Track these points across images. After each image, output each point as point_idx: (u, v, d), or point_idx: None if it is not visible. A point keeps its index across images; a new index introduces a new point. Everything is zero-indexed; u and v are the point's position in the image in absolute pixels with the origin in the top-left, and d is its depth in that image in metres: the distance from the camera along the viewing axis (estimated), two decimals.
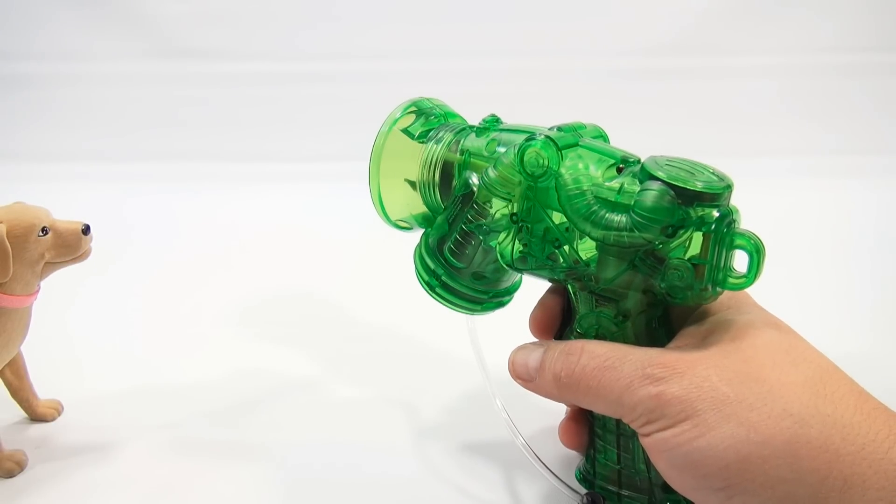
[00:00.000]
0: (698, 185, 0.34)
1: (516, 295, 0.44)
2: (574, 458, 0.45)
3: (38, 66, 1.03)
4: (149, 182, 0.98)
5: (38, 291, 0.45)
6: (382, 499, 0.44)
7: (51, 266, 0.44)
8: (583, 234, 0.36)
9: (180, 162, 1.01)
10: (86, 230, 0.44)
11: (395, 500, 0.44)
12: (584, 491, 0.41)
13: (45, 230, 0.43)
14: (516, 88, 0.99)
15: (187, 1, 1.01)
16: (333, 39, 1.02)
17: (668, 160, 0.36)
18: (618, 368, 0.34)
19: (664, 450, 0.33)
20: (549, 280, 0.41)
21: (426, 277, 0.42)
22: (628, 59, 1.02)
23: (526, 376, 0.38)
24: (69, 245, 0.43)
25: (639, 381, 0.33)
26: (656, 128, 0.98)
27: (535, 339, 0.42)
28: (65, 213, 0.45)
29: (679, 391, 0.32)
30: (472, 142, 0.42)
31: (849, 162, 0.98)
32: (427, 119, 0.44)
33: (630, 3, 1.01)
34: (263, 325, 0.66)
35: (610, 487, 0.40)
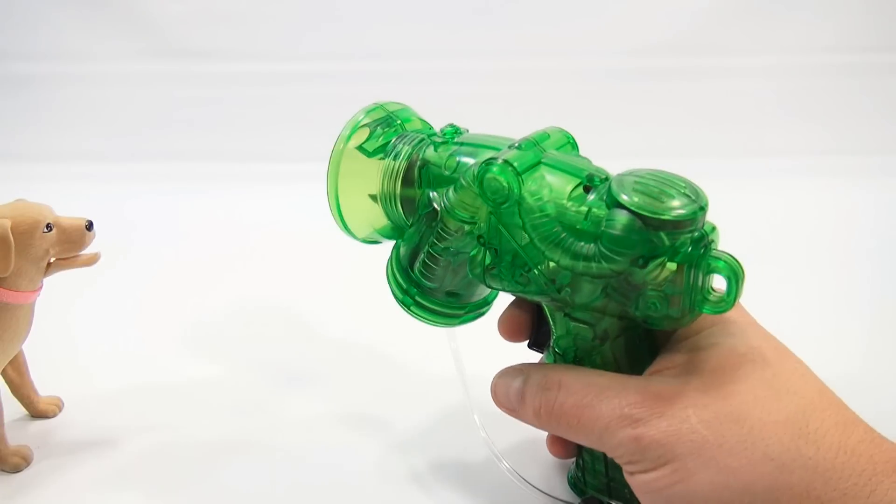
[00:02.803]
0: (669, 214, 0.31)
1: (500, 300, 0.43)
2: (561, 467, 0.45)
3: (39, 66, 1.04)
4: (149, 182, 0.97)
5: (41, 288, 0.45)
6: None
7: (60, 266, 0.44)
8: (550, 261, 0.35)
9: (181, 162, 1.01)
10: (89, 226, 0.44)
11: None
12: (577, 500, 0.41)
13: (49, 226, 0.43)
14: (515, 88, 0.99)
15: (187, 1, 1.01)
16: (334, 40, 1.02)
17: (636, 179, 0.33)
18: (595, 407, 0.33)
19: (646, 491, 0.33)
20: (525, 299, 0.39)
21: (400, 296, 0.41)
22: (627, 59, 1.02)
23: (509, 406, 0.38)
24: (73, 241, 0.44)
25: (617, 422, 0.33)
26: (655, 128, 0.99)
27: (512, 358, 0.41)
28: (65, 212, 0.45)
29: (658, 434, 0.32)
30: (431, 155, 0.40)
31: (849, 162, 0.98)
32: (384, 130, 0.42)
33: (629, 3, 1.01)
34: (264, 326, 0.66)
35: (601, 497, 0.40)
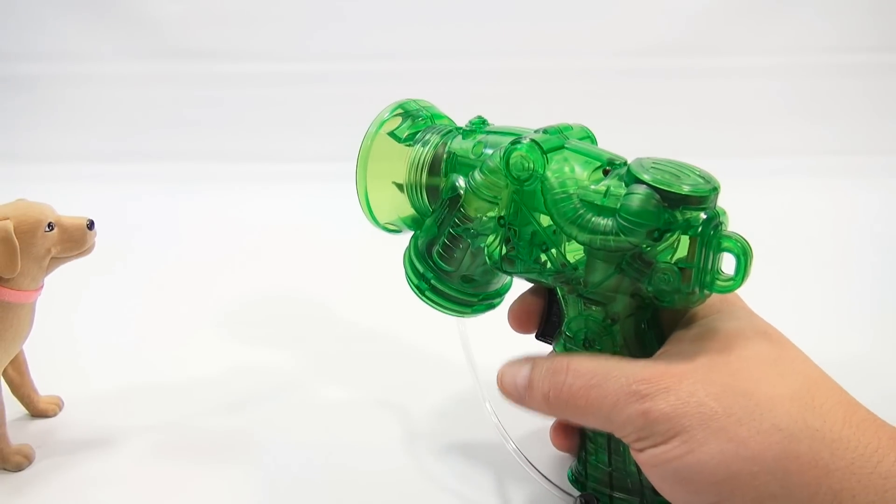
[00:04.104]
0: (684, 189, 0.33)
1: (507, 295, 0.44)
2: (565, 459, 0.45)
3: (39, 66, 1.04)
4: (149, 182, 0.98)
5: (42, 287, 0.45)
6: (374, 501, 0.44)
7: (56, 261, 0.44)
8: (569, 237, 0.36)
9: (181, 162, 1.01)
10: (90, 225, 0.44)
11: (385, 502, 0.43)
12: (577, 493, 0.41)
13: (50, 225, 0.43)
14: (516, 89, 1.00)
15: (188, 1, 1.01)
16: (334, 40, 1.03)
17: (654, 162, 0.35)
18: (603, 386, 0.34)
19: (655, 465, 0.33)
20: (538, 283, 0.41)
21: (415, 281, 0.42)
22: (627, 59, 1.02)
23: (515, 394, 0.38)
24: (75, 240, 0.44)
25: (625, 399, 0.33)
26: (655, 128, 0.99)
27: (521, 349, 0.42)
28: (65, 213, 0.45)
29: (666, 407, 0.32)
30: (459, 144, 0.41)
31: (849, 162, 0.98)
32: (414, 121, 0.44)
33: (629, 3, 1.01)
34: (263, 326, 0.66)
35: (601, 489, 0.40)
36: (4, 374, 0.48)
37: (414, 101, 0.45)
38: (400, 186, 0.43)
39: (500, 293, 0.43)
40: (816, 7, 0.99)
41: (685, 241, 0.34)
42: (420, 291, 0.42)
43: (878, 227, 0.87)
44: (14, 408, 0.49)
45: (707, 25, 1.00)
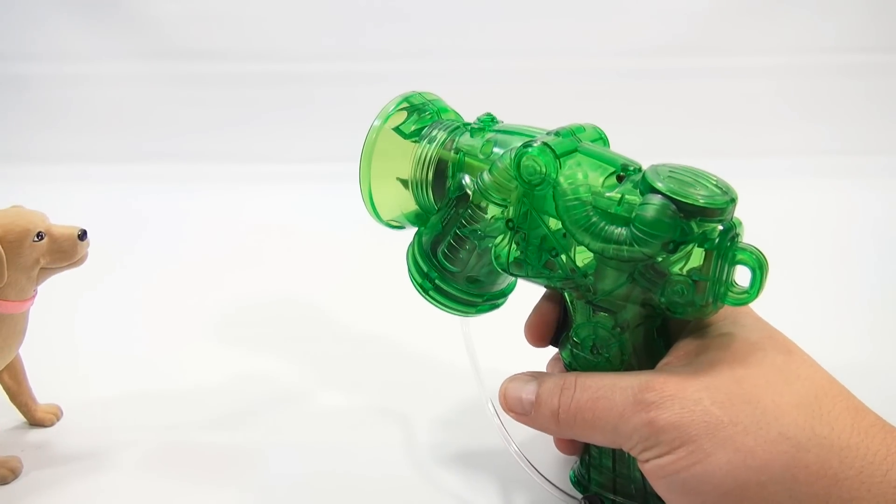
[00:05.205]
0: (700, 200, 0.33)
1: (511, 297, 0.43)
2: (568, 461, 0.45)
3: (39, 66, 1.03)
4: (148, 182, 0.98)
5: (34, 297, 0.44)
6: None
7: (47, 272, 0.44)
8: (581, 244, 0.36)
9: (180, 162, 1.01)
10: (82, 235, 0.43)
11: None
12: (580, 496, 0.41)
13: (40, 235, 0.42)
14: (517, 88, 0.99)
15: (188, 1, 1.01)
16: (334, 40, 1.02)
17: (670, 169, 0.35)
18: (609, 398, 0.34)
19: (661, 476, 0.33)
20: (546, 287, 0.40)
21: (419, 280, 0.41)
22: (628, 59, 1.01)
23: (521, 410, 0.38)
24: (65, 251, 0.43)
25: (631, 409, 0.33)
26: (656, 128, 0.98)
27: (524, 349, 0.42)
28: (64, 214, 0.45)
29: (671, 417, 0.32)
30: (467, 141, 0.41)
31: (849, 162, 0.98)
32: (419, 116, 0.43)
33: (630, 3, 1.01)
34: (263, 330, 0.66)
35: (604, 493, 0.40)
36: (1, 382, 0.48)
37: (419, 93, 0.44)
38: (404, 182, 0.43)
39: (505, 293, 0.43)
40: (816, 7, 0.99)
41: (699, 252, 0.33)
42: (424, 290, 0.41)
43: (878, 226, 0.86)
44: (12, 416, 0.49)
45: (707, 26, 1.00)
